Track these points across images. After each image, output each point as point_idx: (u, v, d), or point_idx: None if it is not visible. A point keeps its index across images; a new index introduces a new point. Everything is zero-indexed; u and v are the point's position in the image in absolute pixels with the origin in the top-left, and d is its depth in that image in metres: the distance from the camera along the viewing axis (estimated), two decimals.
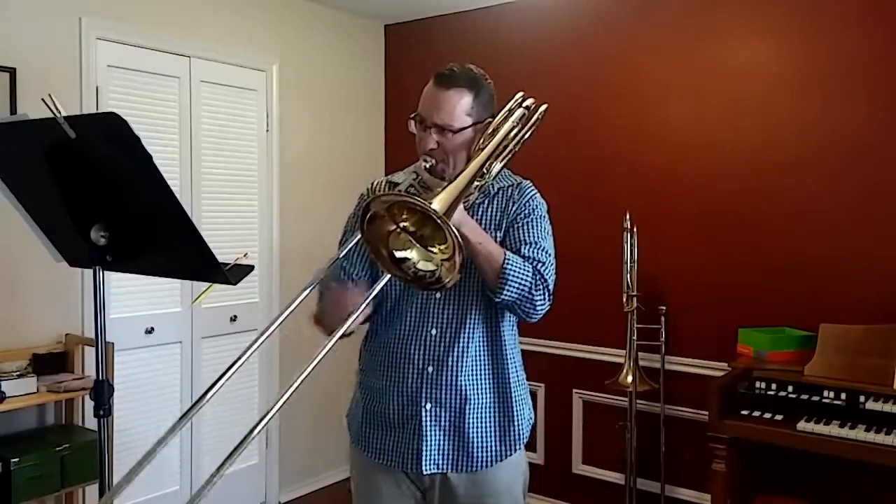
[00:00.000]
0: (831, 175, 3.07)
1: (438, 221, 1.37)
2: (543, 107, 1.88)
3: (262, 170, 3.87)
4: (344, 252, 1.73)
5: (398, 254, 1.46)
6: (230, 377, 1.34)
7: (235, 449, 1.18)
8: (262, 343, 1.41)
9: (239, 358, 1.36)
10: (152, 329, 3.38)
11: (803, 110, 3.14)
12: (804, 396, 2.76)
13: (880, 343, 2.68)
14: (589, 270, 3.54)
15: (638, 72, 3.55)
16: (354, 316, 1.49)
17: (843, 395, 2.67)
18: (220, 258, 1.49)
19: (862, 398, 2.64)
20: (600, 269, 3.49)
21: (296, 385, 1.27)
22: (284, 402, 1.25)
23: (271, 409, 1.23)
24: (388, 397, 1.81)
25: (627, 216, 3.36)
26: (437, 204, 1.39)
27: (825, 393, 2.71)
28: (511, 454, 1.83)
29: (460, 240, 1.36)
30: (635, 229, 3.36)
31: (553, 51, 3.79)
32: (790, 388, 2.81)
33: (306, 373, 1.30)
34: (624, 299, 3.34)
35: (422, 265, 1.46)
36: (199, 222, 3.32)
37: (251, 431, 1.20)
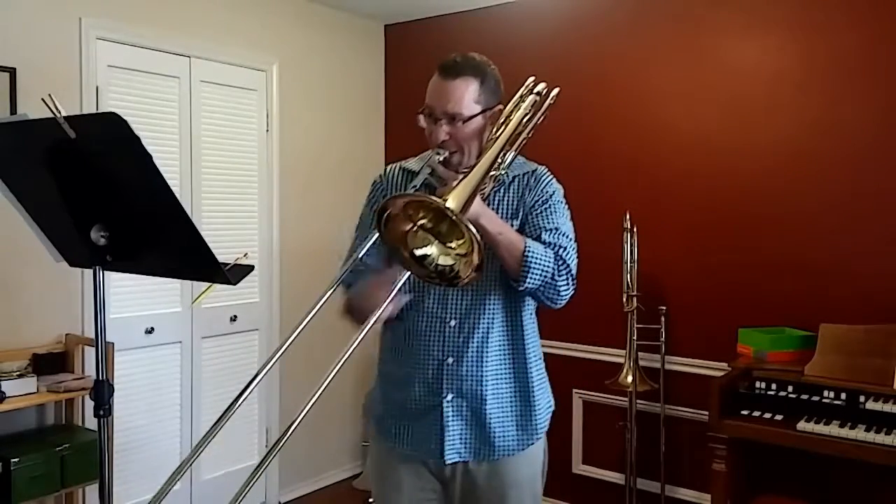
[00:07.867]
0: (832, 175, 3.07)
1: (454, 219, 1.36)
2: (555, 91, 1.85)
3: (262, 170, 3.87)
4: (363, 251, 1.72)
5: (418, 251, 1.45)
6: (252, 389, 1.39)
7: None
8: (282, 353, 1.44)
9: (261, 369, 1.42)
10: (152, 329, 3.38)
11: (804, 110, 3.14)
12: (804, 396, 2.76)
13: (880, 343, 2.68)
14: (589, 270, 3.48)
15: (638, 71, 3.55)
16: (385, 304, 1.49)
17: (843, 395, 2.67)
18: (220, 258, 1.48)
19: (862, 398, 2.64)
20: (600, 269, 3.48)
21: (323, 386, 1.33)
22: (318, 395, 1.33)
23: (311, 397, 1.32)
24: (410, 387, 1.80)
25: (627, 216, 3.36)
26: (452, 202, 1.38)
27: (825, 393, 2.71)
28: (532, 443, 1.83)
29: (478, 237, 1.36)
30: (635, 229, 3.36)
31: (553, 51, 3.79)
32: (790, 388, 2.81)
33: (338, 366, 1.34)
34: (624, 299, 3.35)
35: (442, 260, 1.45)
36: (199, 222, 3.33)
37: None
